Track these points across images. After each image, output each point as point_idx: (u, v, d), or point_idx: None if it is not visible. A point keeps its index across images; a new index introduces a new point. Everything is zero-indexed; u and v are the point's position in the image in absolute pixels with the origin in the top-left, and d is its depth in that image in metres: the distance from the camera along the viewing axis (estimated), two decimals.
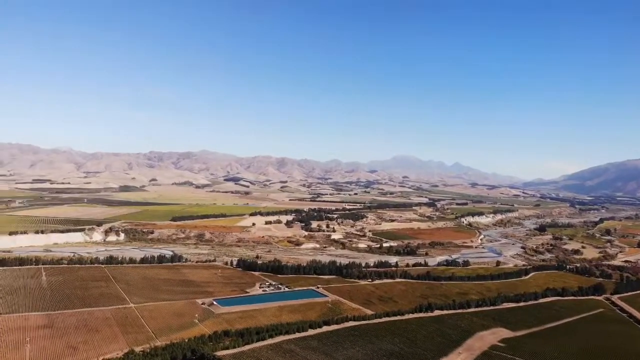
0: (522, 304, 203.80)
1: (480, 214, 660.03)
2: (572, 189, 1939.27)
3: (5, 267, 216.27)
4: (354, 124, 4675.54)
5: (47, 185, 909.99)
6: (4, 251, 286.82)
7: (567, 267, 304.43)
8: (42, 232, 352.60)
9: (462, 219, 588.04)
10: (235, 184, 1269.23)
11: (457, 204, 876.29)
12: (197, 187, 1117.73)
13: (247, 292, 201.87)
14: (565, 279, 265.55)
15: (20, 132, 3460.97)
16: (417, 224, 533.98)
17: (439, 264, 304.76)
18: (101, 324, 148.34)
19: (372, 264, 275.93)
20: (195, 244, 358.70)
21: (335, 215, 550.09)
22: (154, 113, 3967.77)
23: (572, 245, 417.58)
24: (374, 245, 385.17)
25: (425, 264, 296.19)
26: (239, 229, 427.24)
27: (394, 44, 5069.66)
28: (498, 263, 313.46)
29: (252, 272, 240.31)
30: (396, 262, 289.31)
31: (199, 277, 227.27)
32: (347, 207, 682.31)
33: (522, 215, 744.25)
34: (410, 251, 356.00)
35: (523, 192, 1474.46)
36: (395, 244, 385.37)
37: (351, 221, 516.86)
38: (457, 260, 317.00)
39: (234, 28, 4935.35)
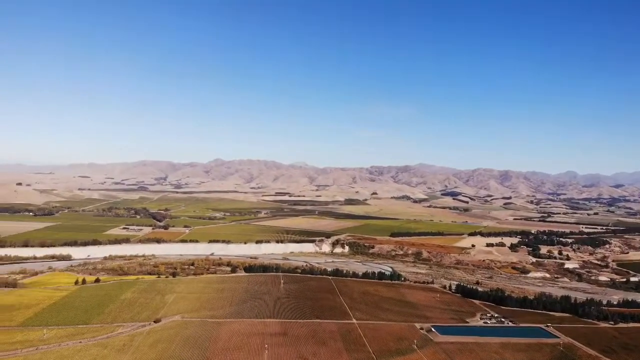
0: None
1: None
2: None
3: (251, 273, 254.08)
4: (595, 124, 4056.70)
5: (286, 197, 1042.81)
6: (251, 257, 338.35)
7: None
8: (282, 241, 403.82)
9: None
10: (453, 199, 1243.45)
11: None
12: (415, 201, 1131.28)
13: (466, 322, 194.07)
14: None
15: (265, 150, 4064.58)
16: None
17: None
18: (327, 337, 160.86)
19: (615, 302, 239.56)
20: (413, 262, 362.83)
21: (569, 240, 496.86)
22: (376, 129, 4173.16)
23: None
24: (619, 278, 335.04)
25: None
26: (457, 249, 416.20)
27: None
28: None
29: (472, 300, 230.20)
30: None
31: (417, 298, 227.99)
32: (585, 230, 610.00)
33: None
34: None
35: None
36: None
37: (590, 248, 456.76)
38: None
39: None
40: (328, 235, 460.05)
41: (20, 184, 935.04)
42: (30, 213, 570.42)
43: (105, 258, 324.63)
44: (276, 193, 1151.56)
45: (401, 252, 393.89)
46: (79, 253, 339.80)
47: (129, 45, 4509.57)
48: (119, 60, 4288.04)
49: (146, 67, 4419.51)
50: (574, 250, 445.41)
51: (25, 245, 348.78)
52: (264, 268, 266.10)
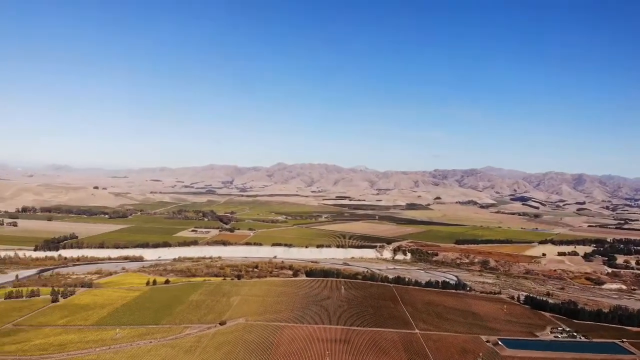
0: None
1: None
2: None
3: (313, 278, 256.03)
4: None
5: (346, 201, 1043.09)
6: (312, 261, 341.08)
7: None
8: (342, 246, 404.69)
9: None
10: (523, 204, 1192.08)
11: None
12: (481, 206, 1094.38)
13: (536, 336, 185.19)
14: None
15: (326, 153, 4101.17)
16: None
17: None
18: (389, 347, 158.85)
19: None
20: (479, 271, 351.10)
21: None
22: (439, 131, 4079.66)
23: None
24: None
25: None
26: (526, 258, 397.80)
27: None
28: None
29: (542, 312, 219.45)
30: None
31: (483, 309, 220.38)
32: None
33: None
34: None
35: None
36: None
37: None
38: None
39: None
40: (389, 241, 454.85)
41: (97, 187, 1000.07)
42: (106, 215, 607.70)
43: (174, 260, 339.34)
44: (336, 197, 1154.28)
45: (467, 261, 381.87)
46: (150, 254, 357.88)
47: (197, 57, 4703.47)
48: (190, 70, 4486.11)
49: (217, 78, 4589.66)
50: None
51: (101, 246, 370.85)
52: (325, 273, 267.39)
